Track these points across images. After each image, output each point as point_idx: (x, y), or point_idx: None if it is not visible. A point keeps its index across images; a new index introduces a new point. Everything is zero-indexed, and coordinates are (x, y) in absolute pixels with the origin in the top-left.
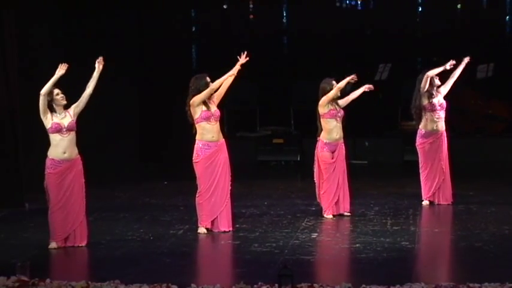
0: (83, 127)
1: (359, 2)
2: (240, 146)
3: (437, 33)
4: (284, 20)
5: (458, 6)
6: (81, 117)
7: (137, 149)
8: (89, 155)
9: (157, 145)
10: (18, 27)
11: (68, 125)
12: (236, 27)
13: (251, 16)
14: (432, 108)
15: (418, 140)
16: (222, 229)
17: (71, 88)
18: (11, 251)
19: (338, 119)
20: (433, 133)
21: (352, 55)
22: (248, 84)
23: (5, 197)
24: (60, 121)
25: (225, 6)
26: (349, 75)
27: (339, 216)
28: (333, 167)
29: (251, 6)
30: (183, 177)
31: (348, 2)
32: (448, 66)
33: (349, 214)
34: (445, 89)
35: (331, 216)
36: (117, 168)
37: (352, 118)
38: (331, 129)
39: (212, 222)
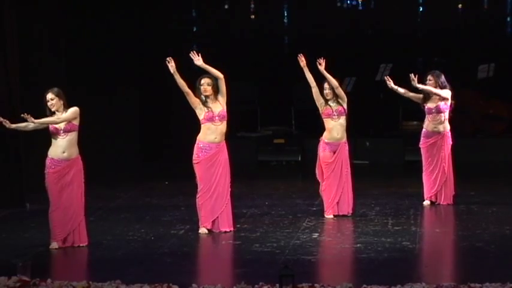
0: (83, 127)
1: (360, 2)
2: (241, 146)
3: (438, 33)
4: (285, 20)
5: (459, 6)
6: (82, 117)
7: (138, 149)
8: (89, 155)
9: (158, 145)
10: (19, 27)
11: (64, 127)
12: (237, 27)
13: (252, 16)
14: (428, 112)
15: (421, 140)
16: (223, 229)
17: (71, 86)
18: (12, 251)
19: (335, 117)
20: (434, 133)
21: (353, 55)
22: (249, 84)
23: (6, 197)
24: (57, 124)
25: (226, 6)
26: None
27: (339, 216)
28: (333, 167)
29: (252, 6)
30: (184, 177)
31: (348, 2)
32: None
33: (350, 215)
34: (436, 94)
35: (331, 216)
36: (118, 168)
37: (353, 118)
38: (330, 129)
39: (213, 223)
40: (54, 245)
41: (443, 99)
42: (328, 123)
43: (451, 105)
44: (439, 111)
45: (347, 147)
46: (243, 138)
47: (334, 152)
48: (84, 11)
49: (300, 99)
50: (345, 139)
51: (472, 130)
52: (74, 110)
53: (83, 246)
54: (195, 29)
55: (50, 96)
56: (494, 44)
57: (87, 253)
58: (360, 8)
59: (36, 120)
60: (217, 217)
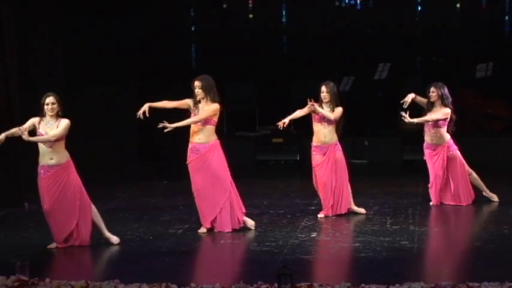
0: (82, 126)
1: (358, 1)
2: (240, 145)
3: (436, 32)
4: (283, 19)
5: (458, 5)
6: (81, 117)
7: (137, 149)
8: (88, 155)
9: (157, 144)
10: (18, 28)
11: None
12: (235, 27)
13: (250, 15)
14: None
15: (424, 152)
16: (222, 229)
17: (70, 86)
18: (11, 251)
19: (324, 125)
20: (433, 145)
21: (351, 54)
22: (247, 84)
23: (4, 196)
24: (45, 131)
25: (224, 6)
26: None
27: (338, 215)
28: (322, 170)
29: (250, 5)
30: (182, 176)
31: (347, 1)
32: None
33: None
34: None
35: (323, 216)
36: (117, 167)
37: (351, 118)
38: (317, 132)
39: (212, 222)
40: (52, 244)
41: (439, 114)
42: (317, 127)
43: (451, 119)
44: (436, 125)
45: (339, 148)
46: (242, 137)
47: (324, 154)
48: (83, 11)
49: (298, 99)
50: (334, 141)
51: (471, 129)
52: (66, 126)
53: (82, 246)
54: (193, 28)
55: (51, 99)
56: (492, 43)
57: (86, 252)
58: (359, 7)
59: (31, 139)
60: (216, 217)
